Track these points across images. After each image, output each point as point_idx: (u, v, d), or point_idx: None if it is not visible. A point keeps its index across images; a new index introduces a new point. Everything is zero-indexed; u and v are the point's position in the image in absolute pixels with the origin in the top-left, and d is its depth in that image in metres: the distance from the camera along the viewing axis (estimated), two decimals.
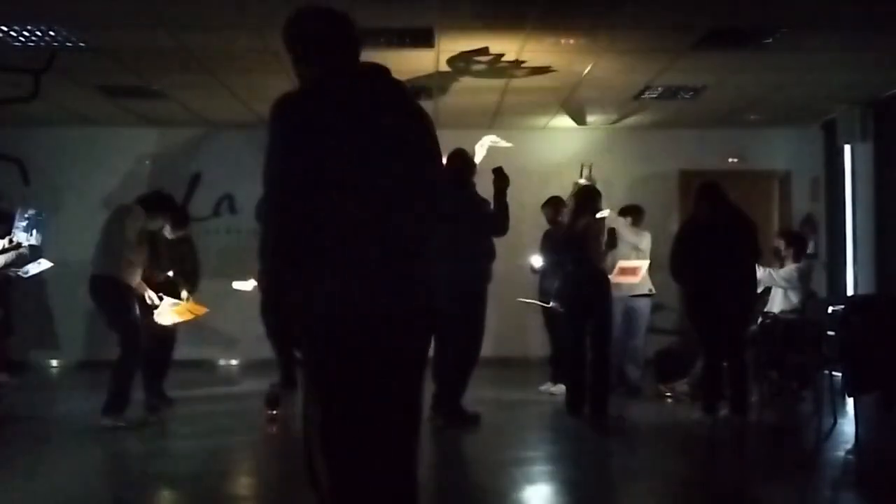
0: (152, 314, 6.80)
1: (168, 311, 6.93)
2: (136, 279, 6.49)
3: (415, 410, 2.81)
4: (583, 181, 9.20)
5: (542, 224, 8.43)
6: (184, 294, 7.27)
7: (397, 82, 2.83)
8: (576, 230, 6.99)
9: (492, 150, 10.36)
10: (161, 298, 6.86)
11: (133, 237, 6.44)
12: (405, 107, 2.79)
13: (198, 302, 7.45)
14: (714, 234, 6.52)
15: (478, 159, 6.77)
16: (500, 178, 6.46)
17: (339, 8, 2.89)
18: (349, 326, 2.62)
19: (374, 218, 2.62)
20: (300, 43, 2.87)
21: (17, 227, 7.11)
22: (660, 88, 8.46)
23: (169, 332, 7.20)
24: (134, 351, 6.35)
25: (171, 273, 7.22)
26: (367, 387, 2.65)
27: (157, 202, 6.85)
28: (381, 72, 2.81)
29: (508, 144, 6.45)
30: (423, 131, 2.78)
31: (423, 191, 2.74)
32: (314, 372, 2.71)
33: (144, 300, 6.66)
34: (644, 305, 8.09)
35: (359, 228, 2.61)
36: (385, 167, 2.64)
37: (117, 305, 6.39)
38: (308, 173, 2.58)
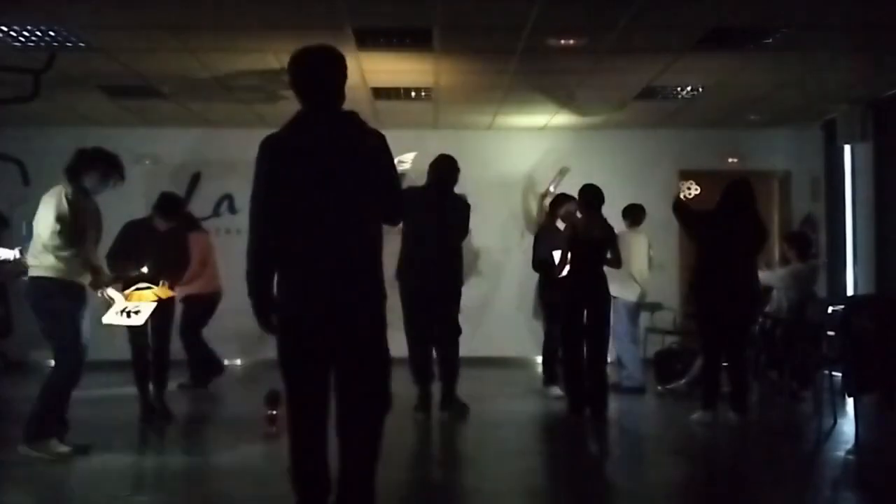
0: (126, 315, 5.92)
1: (130, 300, 5.97)
2: (80, 273, 5.24)
3: (364, 400, 3.50)
4: (552, 189, 9.38)
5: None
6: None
7: (355, 125, 3.50)
8: (600, 231, 6.97)
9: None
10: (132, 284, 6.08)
11: (57, 220, 5.12)
12: (358, 144, 3.47)
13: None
14: (734, 236, 6.54)
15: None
16: None
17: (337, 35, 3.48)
18: (297, 319, 3.45)
19: (319, 239, 3.40)
20: (291, 81, 3.56)
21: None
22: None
23: (161, 333, 6.60)
24: (70, 368, 5.19)
25: (144, 269, 6.28)
26: (313, 368, 3.47)
27: (77, 159, 5.44)
28: (346, 118, 3.52)
29: (408, 162, 6.50)
30: (375, 169, 3.48)
31: (366, 219, 3.47)
32: (279, 358, 3.52)
33: (105, 298, 5.70)
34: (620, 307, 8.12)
35: (305, 247, 3.42)
36: (330, 195, 3.39)
37: (52, 312, 5.17)
38: (273, 197, 3.45)
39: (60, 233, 5.10)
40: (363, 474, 3.49)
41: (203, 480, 5.12)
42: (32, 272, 5.24)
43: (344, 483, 3.49)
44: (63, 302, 5.18)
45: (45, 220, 5.15)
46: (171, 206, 6.86)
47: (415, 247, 6.63)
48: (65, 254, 5.12)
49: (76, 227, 5.17)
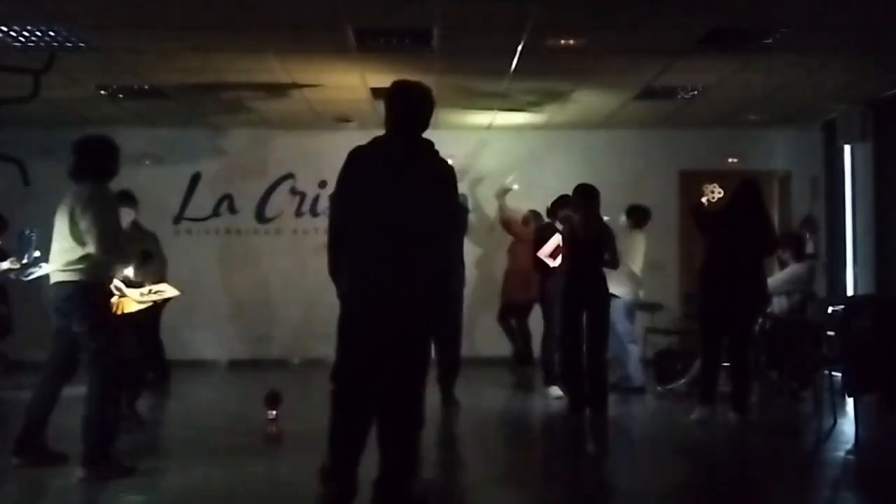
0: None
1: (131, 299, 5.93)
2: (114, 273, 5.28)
3: (404, 369, 4.02)
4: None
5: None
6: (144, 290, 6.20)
7: (429, 154, 4.13)
8: (597, 230, 6.99)
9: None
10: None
11: (117, 221, 5.20)
12: (424, 169, 4.10)
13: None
14: (740, 236, 6.55)
15: None
16: None
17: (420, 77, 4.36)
18: (350, 302, 4.05)
19: (379, 237, 4.00)
20: (386, 106, 4.23)
21: (26, 251, 7.05)
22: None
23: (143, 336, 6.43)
24: (113, 370, 5.06)
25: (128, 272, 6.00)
26: (359, 348, 4.01)
27: (107, 155, 5.28)
28: (423, 145, 4.14)
29: None
30: (433, 187, 4.08)
31: (422, 231, 4.02)
32: (338, 330, 4.09)
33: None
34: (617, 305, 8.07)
35: (366, 242, 4.02)
36: (390, 205, 3.99)
37: (99, 316, 5.07)
38: (348, 201, 4.09)
39: (117, 233, 5.09)
40: (400, 454, 4.02)
41: (204, 481, 5.11)
42: (73, 276, 4.99)
43: (385, 453, 4.00)
44: (105, 304, 5.17)
45: (104, 222, 4.97)
46: (130, 195, 6.92)
47: None
48: (120, 255, 5.16)
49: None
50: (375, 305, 3.99)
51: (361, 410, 4.02)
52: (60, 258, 5.06)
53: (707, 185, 6.89)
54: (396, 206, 4.01)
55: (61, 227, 5.06)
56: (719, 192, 6.78)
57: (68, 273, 5.02)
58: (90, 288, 5.04)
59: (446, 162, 4.20)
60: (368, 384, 4.01)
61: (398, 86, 4.25)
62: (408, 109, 4.17)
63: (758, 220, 6.69)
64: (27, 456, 5.06)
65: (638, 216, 8.45)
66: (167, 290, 6.17)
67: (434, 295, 4.09)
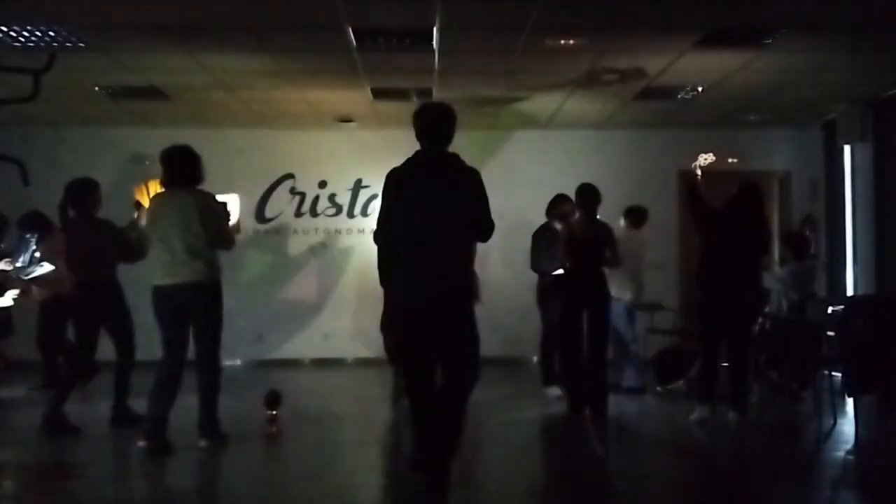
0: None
1: None
2: None
3: (456, 355, 4.53)
4: None
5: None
6: None
7: (454, 163, 4.61)
8: (597, 231, 7.00)
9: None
10: None
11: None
12: (455, 179, 4.57)
13: None
14: (737, 238, 6.56)
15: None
16: None
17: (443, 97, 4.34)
18: (405, 306, 4.55)
19: (423, 247, 4.48)
20: (414, 126, 4.65)
21: (23, 255, 7.19)
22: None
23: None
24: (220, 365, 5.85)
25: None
26: (417, 343, 4.53)
27: (199, 163, 6.40)
28: (449, 156, 4.63)
29: None
30: (465, 195, 4.53)
31: (459, 234, 4.55)
32: (394, 332, 4.78)
33: None
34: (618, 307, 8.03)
35: (410, 250, 4.50)
36: (430, 216, 4.48)
37: (222, 313, 5.83)
38: (392, 216, 4.55)
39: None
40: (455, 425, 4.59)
41: (206, 481, 5.12)
42: (202, 276, 5.64)
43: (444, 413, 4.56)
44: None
45: (222, 221, 5.89)
46: None
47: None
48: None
49: None
50: (429, 303, 4.48)
51: (426, 387, 4.57)
52: (192, 259, 5.63)
53: (702, 155, 6.88)
54: (434, 215, 4.48)
55: (183, 230, 5.70)
56: (711, 158, 6.78)
57: (204, 273, 5.64)
58: (220, 286, 5.74)
59: (473, 169, 4.60)
60: (427, 364, 4.57)
61: (422, 107, 4.71)
62: (433, 127, 4.62)
63: (754, 221, 6.68)
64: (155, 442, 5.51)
65: (635, 217, 8.45)
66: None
67: (467, 286, 4.65)
